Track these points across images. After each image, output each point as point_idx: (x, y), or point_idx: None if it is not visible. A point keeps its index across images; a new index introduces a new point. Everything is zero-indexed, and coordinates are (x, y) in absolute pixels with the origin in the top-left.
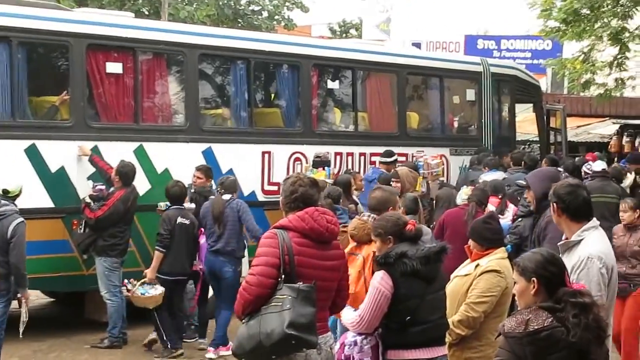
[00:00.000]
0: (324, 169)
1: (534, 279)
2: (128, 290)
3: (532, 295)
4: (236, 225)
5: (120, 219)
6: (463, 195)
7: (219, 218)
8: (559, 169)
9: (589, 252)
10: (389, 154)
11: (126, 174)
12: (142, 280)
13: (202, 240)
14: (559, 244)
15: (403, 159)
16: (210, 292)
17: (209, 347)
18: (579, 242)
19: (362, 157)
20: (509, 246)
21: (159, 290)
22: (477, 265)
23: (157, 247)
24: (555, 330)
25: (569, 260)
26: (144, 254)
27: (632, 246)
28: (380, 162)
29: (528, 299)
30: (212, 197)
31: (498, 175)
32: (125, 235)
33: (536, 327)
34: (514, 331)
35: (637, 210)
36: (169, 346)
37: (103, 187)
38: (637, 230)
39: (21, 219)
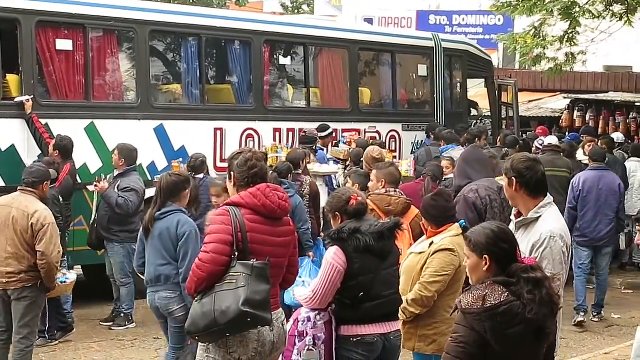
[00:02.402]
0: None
1: (486, 256)
2: None
3: (485, 271)
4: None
5: (70, 193)
6: (405, 166)
7: (195, 200)
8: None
9: (550, 230)
10: (323, 128)
11: (65, 146)
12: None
13: None
14: (515, 221)
15: (354, 134)
16: None
17: None
18: (537, 219)
19: None
20: (462, 221)
21: (74, 275)
22: (431, 243)
23: None
24: (512, 304)
25: (527, 237)
26: None
27: None
28: (319, 137)
29: (480, 274)
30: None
31: (457, 152)
32: (70, 208)
33: (494, 303)
34: (471, 307)
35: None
36: (47, 336)
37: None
38: None
39: None
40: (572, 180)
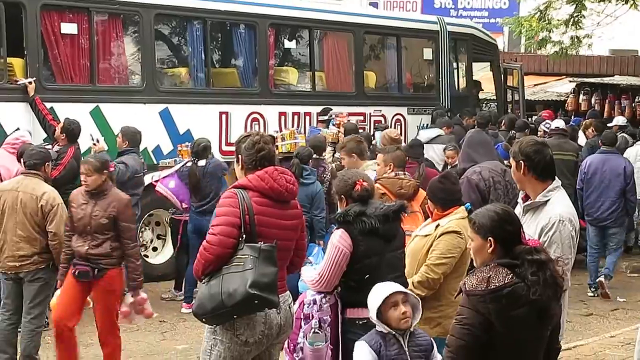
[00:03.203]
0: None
1: (491, 238)
2: None
3: (489, 253)
4: (220, 185)
5: (75, 176)
6: None
7: (196, 187)
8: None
9: (559, 214)
10: (326, 111)
11: (72, 131)
12: None
13: None
14: (523, 204)
15: (361, 118)
16: None
17: (183, 303)
18: (545, 202)
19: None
20: (467, 204)
21: None
22: (437, 226)
23: None
24: (516, 286)
25: (536, 221)
26: None
27: (97, 218)
28: (319, 121)
29: (485, 256)
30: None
31: (433, 132)
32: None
33: (498, 285)
34: (475, 289)
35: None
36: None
37: (49, 146)
38: (103, 196)
39: None
40: (582, 163)
